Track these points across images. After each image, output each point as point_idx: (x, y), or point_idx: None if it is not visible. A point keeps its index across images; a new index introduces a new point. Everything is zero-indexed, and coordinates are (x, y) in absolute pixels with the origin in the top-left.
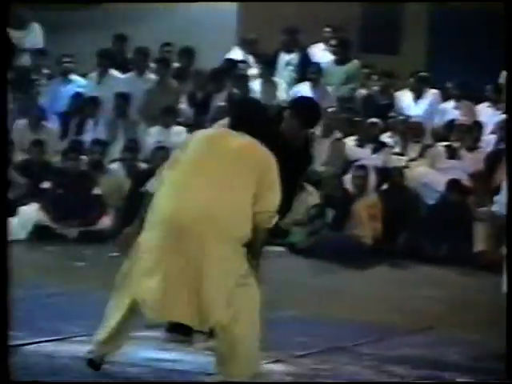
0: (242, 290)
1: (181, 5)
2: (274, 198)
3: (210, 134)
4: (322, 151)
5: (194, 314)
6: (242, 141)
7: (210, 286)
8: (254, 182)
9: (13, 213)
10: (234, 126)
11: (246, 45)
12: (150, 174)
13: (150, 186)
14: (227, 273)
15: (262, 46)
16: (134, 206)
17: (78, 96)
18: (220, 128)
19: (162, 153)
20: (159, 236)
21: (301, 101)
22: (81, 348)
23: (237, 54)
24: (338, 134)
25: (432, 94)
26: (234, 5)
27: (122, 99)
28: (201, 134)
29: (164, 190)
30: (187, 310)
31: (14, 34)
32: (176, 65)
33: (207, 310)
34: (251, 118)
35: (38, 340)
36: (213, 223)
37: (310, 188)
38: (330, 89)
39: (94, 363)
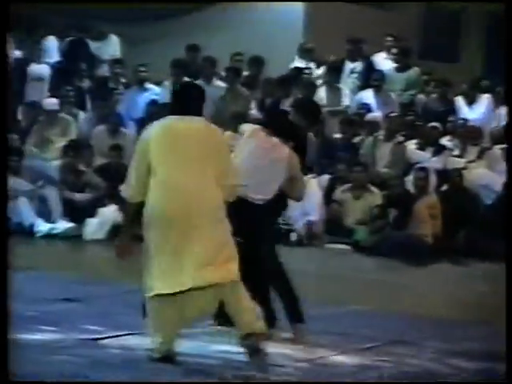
0: None
1: (250, 15)
2: (235, 171)
3: (166, 124)
4: (384, 154)
5: (196, 278)
6: (196, 124)
7: (204, 249)
8: (215, 159)
9: (93, 214)
10: (180, 111)
11: (308, 53)
12: None
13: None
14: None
15: (326, 54)
16: None
17: (153, 103)
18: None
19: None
20: (161, 233)
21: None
22: None
23: (302, 62)
24: (399, 138)
25: (485, 98)
26: (301, 15)
27: None
28: (158, 127)
29: (152, 189)
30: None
31: (94, 45)
32: (246, 73)
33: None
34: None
35: (116, 334)
36: (198, 207)
37: (373, 189)
38: (392, 95)
39: (167, 358)
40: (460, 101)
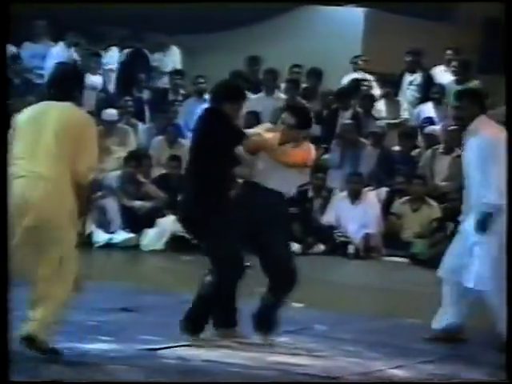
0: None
1: (309, 27)
2: (90, 155)
3: (33, 109)
4: (442, 167)
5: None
6: (61, 108)
7: None
8: (71, 142)
9: (151, 224)
10: (53, 94)
11: (366, 65)
12: None
13: None
14: None
15: (385, 66)
16: None
17: None
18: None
19: None
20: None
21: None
22: (212, 353)
23: (360, 74)
24: (458, 151)
25: None
26: (360, 27)
27: (253, 117)
28: (25, 112)
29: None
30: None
31: (154, 56)
32: (304, 85)
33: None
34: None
35: (173, 344)
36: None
37: (431, 202)
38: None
39: None
40: None
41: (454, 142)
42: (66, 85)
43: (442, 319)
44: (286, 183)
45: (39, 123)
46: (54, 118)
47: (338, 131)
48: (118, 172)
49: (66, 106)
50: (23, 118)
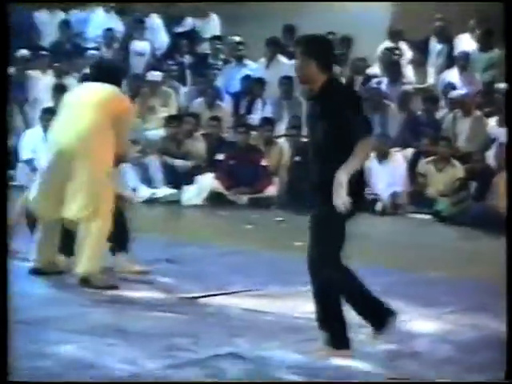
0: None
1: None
2: (125, 138)
3: (76, 90)
4: (464, 129)
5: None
6: (101, 89)
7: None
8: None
9: (191, 181)
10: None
11: (396, 35)
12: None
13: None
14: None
15: (412, 36)
16: (297, 176)
17: (247, 78)
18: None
19: None
20: None
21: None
22: (249, 301)
23: (389, 44)
24: (478, 113)
25: None
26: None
27: (288, 82)
28: (69, 92)
29: None
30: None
31: (196, 23)
32: (336, 52)
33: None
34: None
35: (211, 293)
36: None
37: (455, 163)
38: (475, 75)
39: None
40: None
41: (475, 105)
42: (109, 77)
43: None
44: None
45: (81, 104)
46: (95, 99)
47: (366, 95)
48: (161, 131)
49: (108, 89)
50: (69, 98)
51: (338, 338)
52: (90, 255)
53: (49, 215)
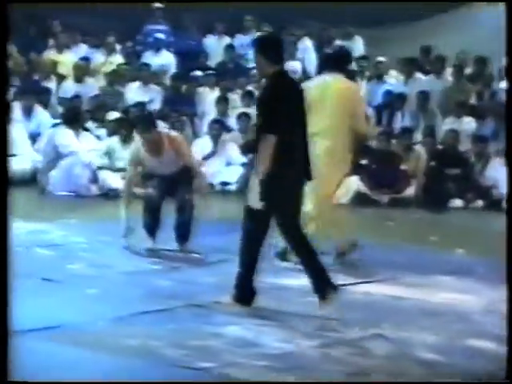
0: None
1: (474, 20)
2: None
3: (317, 81)
4: None
5: None
6: (341, 82)
7: None
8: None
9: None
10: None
11: None
12: (444, 153)
13: None
14: None
15: None
16: (433, 179)
17: (389, 93)
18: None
19: (454, 135)
20: None
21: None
22: (390, 289)
23: None
24: None
25: None
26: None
27: (424, 96)
28: (310, 84)
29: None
30: None
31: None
32: (469, 69)
33: None
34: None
35: (356, 281)
36: None
37: None
38: None
39: None
40: None
41: None
42: (339, 62)
43: None
44: None
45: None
46: (334, 92)
47: (493, 106)
48: None
49: (340, 79)
50: (313, 93)
51: None
52: None
53: None
